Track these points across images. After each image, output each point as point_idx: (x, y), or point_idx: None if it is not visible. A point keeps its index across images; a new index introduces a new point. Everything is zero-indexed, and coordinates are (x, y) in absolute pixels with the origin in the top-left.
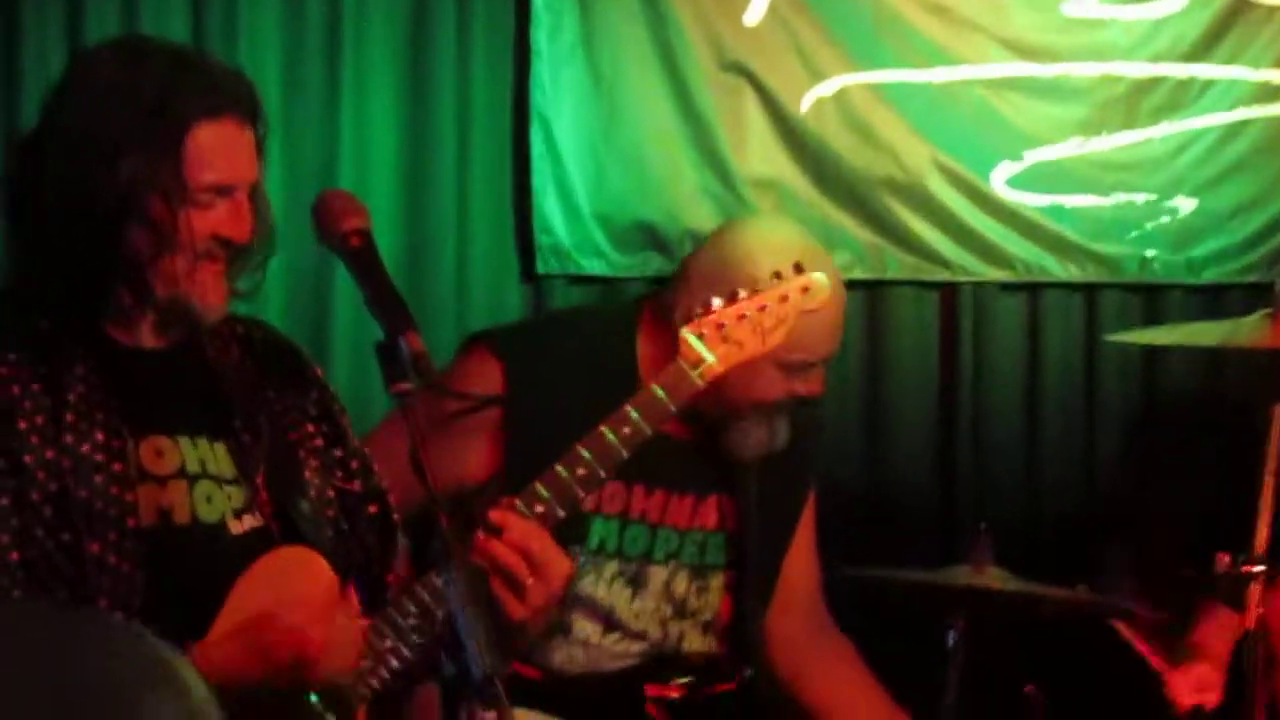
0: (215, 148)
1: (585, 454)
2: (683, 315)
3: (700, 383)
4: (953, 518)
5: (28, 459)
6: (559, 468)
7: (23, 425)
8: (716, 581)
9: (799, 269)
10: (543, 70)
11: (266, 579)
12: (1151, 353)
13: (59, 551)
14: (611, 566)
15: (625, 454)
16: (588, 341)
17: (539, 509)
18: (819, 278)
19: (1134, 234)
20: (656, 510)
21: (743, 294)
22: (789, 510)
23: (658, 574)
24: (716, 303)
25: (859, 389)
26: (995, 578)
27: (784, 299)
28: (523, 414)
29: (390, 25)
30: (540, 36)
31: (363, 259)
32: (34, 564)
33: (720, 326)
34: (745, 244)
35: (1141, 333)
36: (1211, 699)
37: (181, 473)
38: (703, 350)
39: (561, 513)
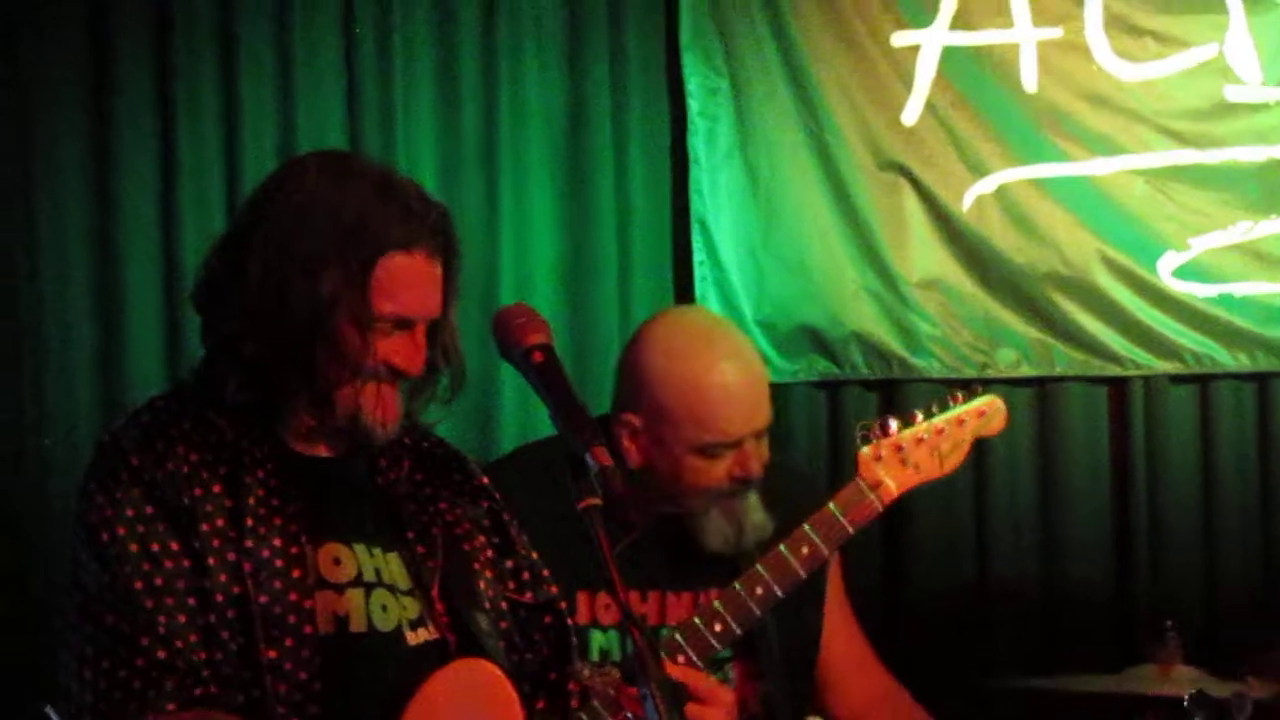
0: (402, 279)
1: (764, 573)
2: (636, 420)
3: (879, 505)
4: (1133, 616)
5: (211, 561)
6: (737, 586)
7: (205, 527)
8: (734, 672)
9: (974, 393)
10: (701, 176)
11: (450, 690)
12: None
13: (237, 655)
14: (616, 674)
15: (803, 574)
16: (551, 454)
17: (718, 628)
18: (995, 402)
19: None
20: (654, 612)
21: (920, 417)
22: (805, 586)
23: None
24: (894, 425)
25: (1031, 487)
26: (1186, 678)
27: (961, 423)
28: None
29: (547, 131)
30: (697, 142)
31: (547, 373)
32: (218, 667)
33: (899, 449)
34: (703, 353)
35: None
36: None
37: (358, 581)
38: (880, 472)
39: (739, 631)
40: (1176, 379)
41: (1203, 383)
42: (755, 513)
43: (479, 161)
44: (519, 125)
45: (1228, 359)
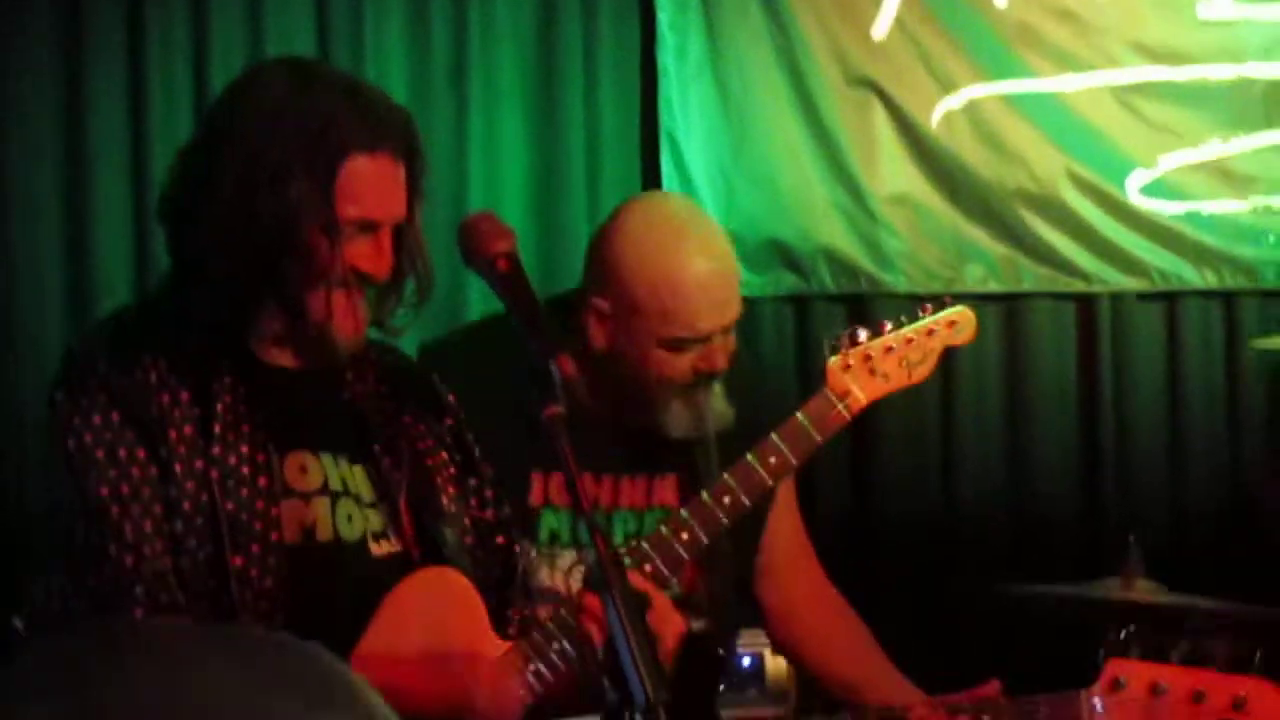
0: (365, 182)
1: (733, 483)
2: (606, 305)
3: (847, 415)
4: (1098, 530)
5: (178, 468)
6: (705, 496)
7: (172, 435)
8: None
9: (943, 305)
10: (671, 90)
11: (417, 601)
12: None
13: (204, 563)
14: (567, 556)
15: (771, 483)
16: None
17: (685, 536)
18: (966, 314)
19: (1272, 239)
20: (608, 495)
21: (889, 327)
22: None
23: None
24: (863, 334)
25: (999, 403)
26: (1147, 590)
27: (930, 333)
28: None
29: (517, 48)
30: (667, 57)
31: (511, 282)
32: (184, 574)
33: (867, 359)
34: (678, 244)
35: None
36: None
37: (324, 489)
38: (849, 382)
39: (705, 540)
40: (1144, 296)
41: (1170, 300)
42: (718, 402)
43: (449, 80)
44: (489, 43)
45: (1195, 277)
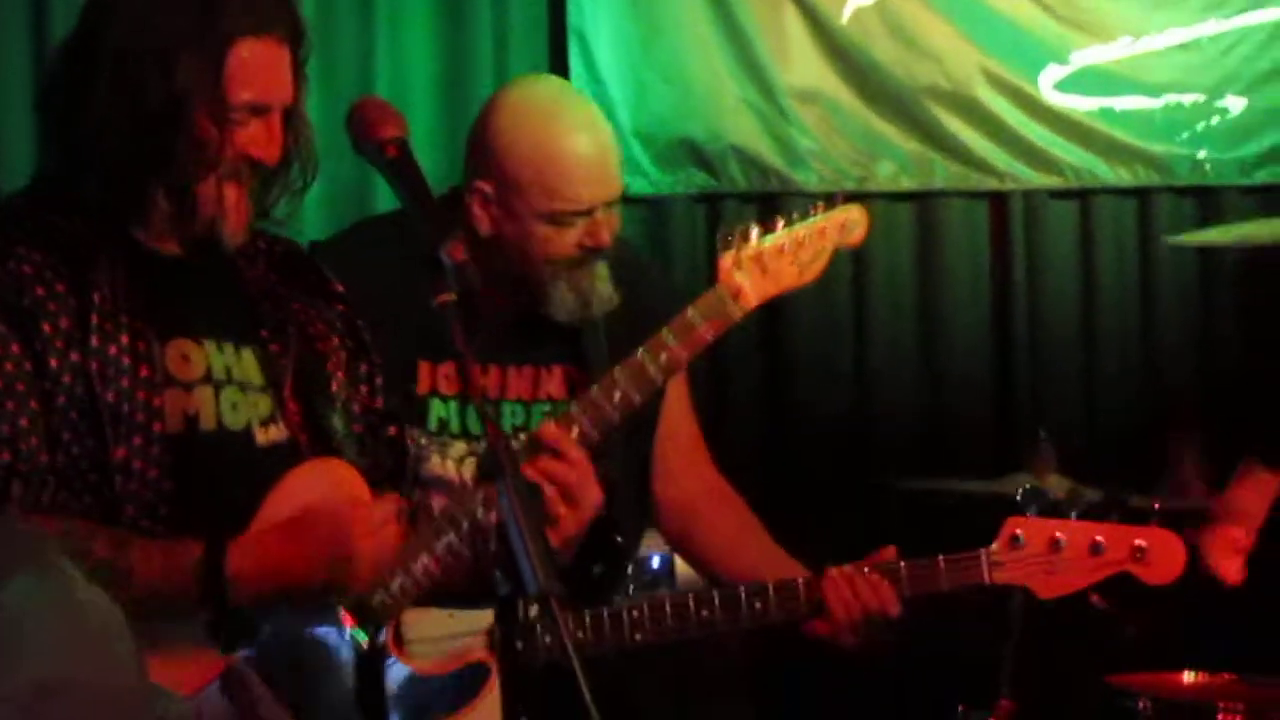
0: (254, 66)
1: (620, 379)
2: (489, 187)
3: (738, 313)
4: (1011, 426)
5: (53, 362)
6: (595, 390)
7: (47, 328)
8: None
9: (835, 202)
10: None
11: (302, 490)
12: (1206, 253)
13: (84, 457)
14: (459, 447)
15: (660, 380)
16: (394, 225)
17: (575, 432)
18: (857, 212)
19: (1185, 135)
20: (495, 386)
21: (780, 223)
22: None
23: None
24: (754, 233)
25: (911, 299)
26: (1057, 485)
27: (822, 233)
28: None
29: None
30: None
31: (401, 168)
32: (61, 469)
33: (759, 258)
34: (556, 125)
35: (1198, 234)
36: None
37: (208, 378)
38: (741, 280)
39: (596, 436)
40: (1056, 193)
41: (1083, 197)
42: (603, 284)
43: None
44: None
45: (1108, 173)
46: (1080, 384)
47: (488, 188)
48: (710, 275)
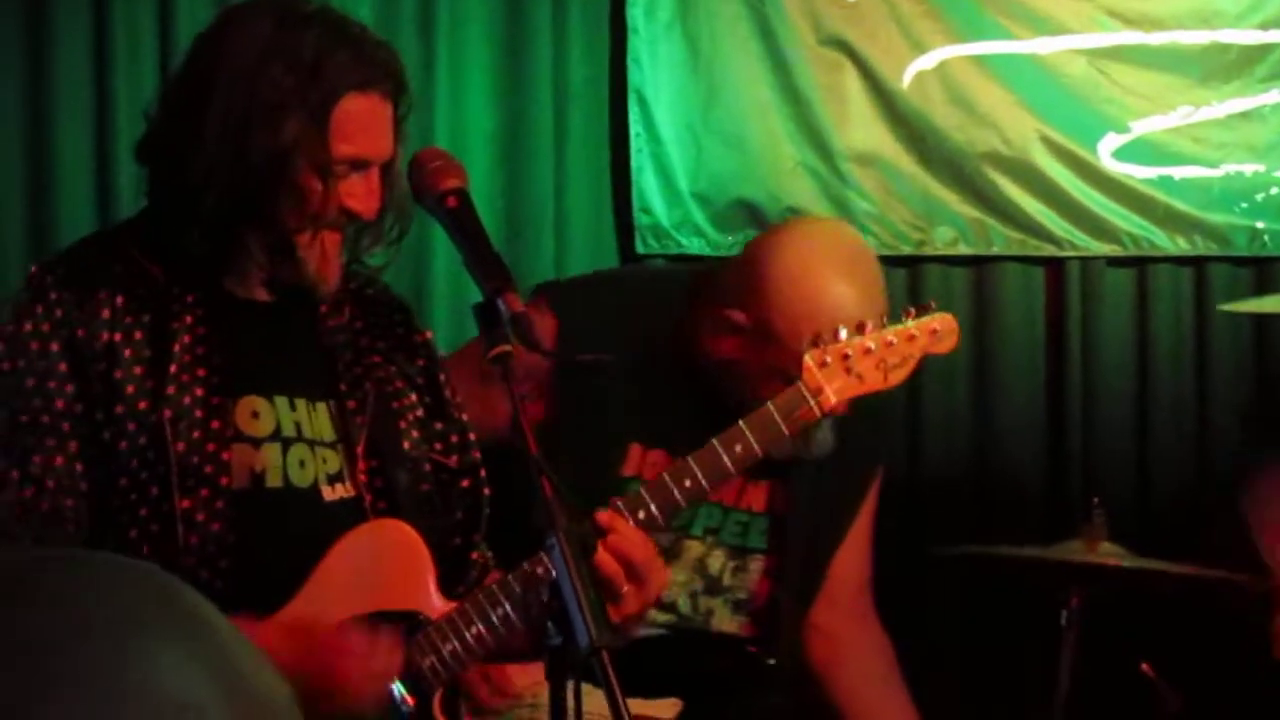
0: (359, 121)
1: (694, 466)
2: (742, 318)
3: (817, 413)
4: (1064, 494)
5: (119, 409)
6: (666, 476)
7: (119, 375)
8: (755, 564)
9: (927, 309)
10: (640, 47)
11: (359, 552)
12: (1262, 324)
13: (145, 505)
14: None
15: (735, 471)
16: (635, 300)
17: (641, 515)
18: (949, 321)
19: (1243, 205)
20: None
21: (869, 326)
22: (846, 505)
23: (693, 548)
24: (843, 333)
25: (966, 366)
26: (1109, 554)
27: (911, 339)
28: (570, 370)
29: (485, 3)
30: (637, 13)
31: (460, 219)
32: (116, 514)
33: (845, 358)
34: (823, 266)
35: (1255, 301)
36: None
37: (275, 436)
38: (823, 379)
39: (662, 522)
40: (1114, 261)
41: (1140, 266)
42: (822, 431)
43: (416, 29)
44: None
45: (1166, 242)
46: (1134, 452)
47: (743, 320)
48: None
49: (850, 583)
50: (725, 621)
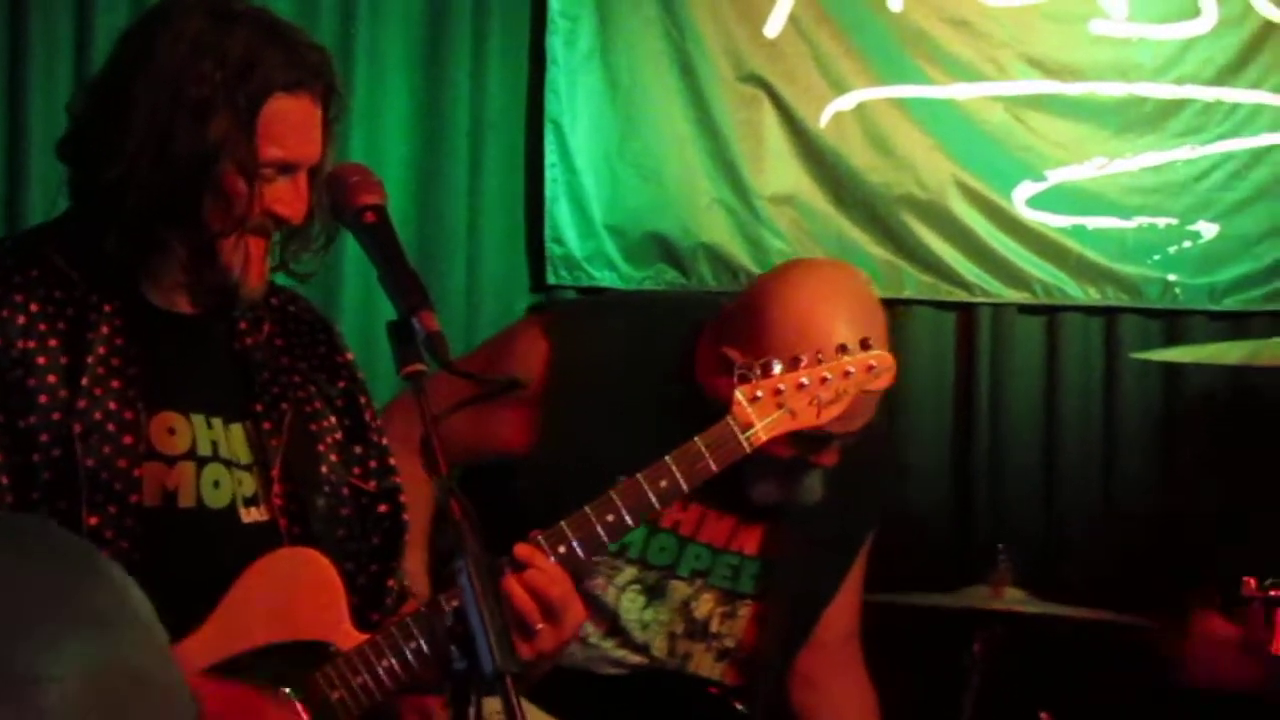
0: (288, 122)
1: (617, 501)
2: (738, 356)
3: (746, 448)
4: (970, 539)
5: (32, 419)
6: (589, 510)
7: (32, 383)
8: (745, 610)
9: (865, 344)
10: (558, 78)
11: (271, 580)
12: (1170, 373)
13: (54, 519)
14: (628, 572)
15: (659, 507)
16: (646, 329)
17: (561, 549)
18: (885, 358)
19: (1156, 258)
20: (691, 524)
21: (804, 361)
22: (842, 554)
23: (679, 589)
24: (777, 367)
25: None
26: (1013, 599)
27: (846, 374)
28: (561, 396)
29: (405, 28)
30: (556, 43)
31: (378, 235)
32: None
33: (777, 393)
34: (827, 309)
35: (1165, 351)
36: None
37: (191, 454)
38: (754, 415)
39: (584, 556)
40: (1025, 309)
41: (1051, 314)
42: (811, 480)
43: (335, 48)
44: (377, 19)
45: (1077, 292)
46: (1040, 500)
47: (739, 360)
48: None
49: (838, 631)
50: (706, 667)
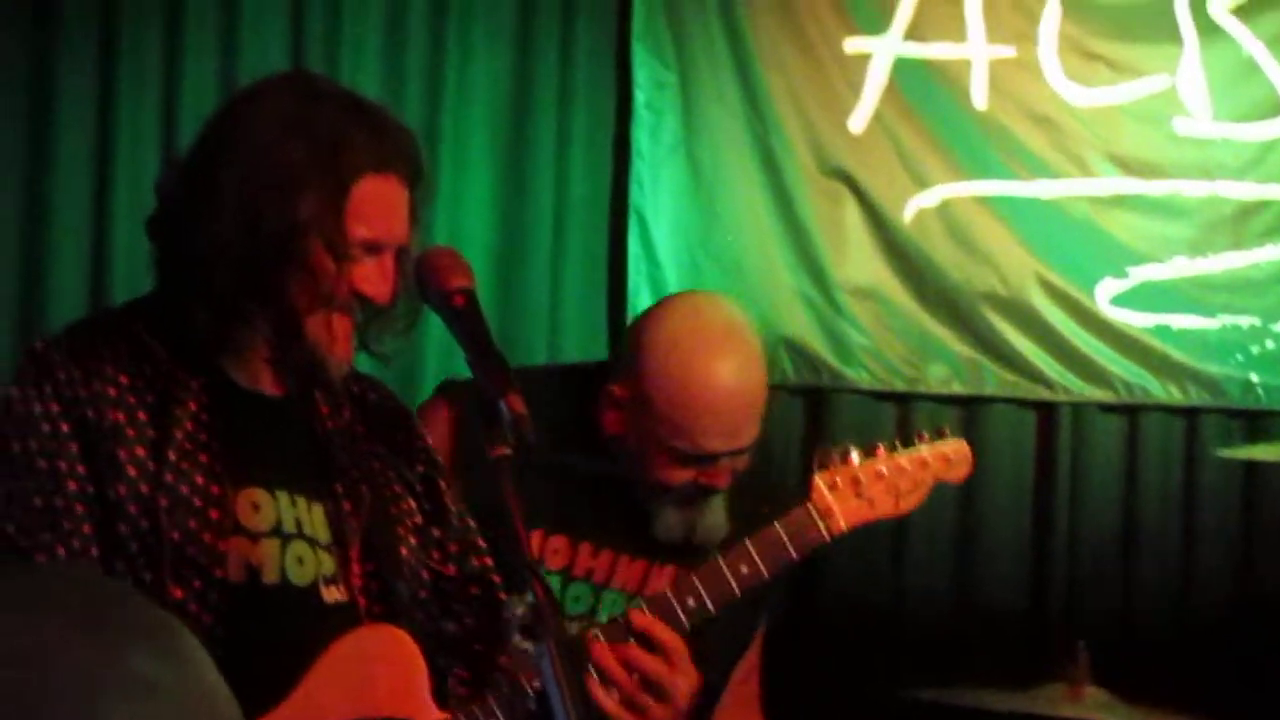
0: (376, 203)
1: (698, 584)
2: (620, 391)
3: (826, 536)
4: (1047, 638)
5: (121, 490)
6: (668, 593)
7: (122, 455)
8: None
9: (941, 434)
10: (642, 169)
11: (352, 658)
12: (1252, 473)
13: (140, 591)
14: None
15: (739, 592)
16: (543, 391)
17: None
18: (962, 449)
19: (1238, 357)
20: (603, 571)
21: (883, 450)
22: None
23: None
24: (855, 456)
25: (952, 506)
26: (1091, 699)
27: (924, 465)
28: (466, 462)
29: (490, 114)
30: (641, 135)
31: (467, 319)
32: None
33: (855, 481)
34: (692, 342)
35: (1249, 448)
36: None
37: (276, 531)
38: (833, 502)
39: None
40: (1106, 407)
41: (1132, 413)
42: (713, 514)
43: (421, 132)
44: (462, 106)
45: (1159, 390)
46: (1118, 598)
47: (622, 394)
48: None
49: (749, 683)
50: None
